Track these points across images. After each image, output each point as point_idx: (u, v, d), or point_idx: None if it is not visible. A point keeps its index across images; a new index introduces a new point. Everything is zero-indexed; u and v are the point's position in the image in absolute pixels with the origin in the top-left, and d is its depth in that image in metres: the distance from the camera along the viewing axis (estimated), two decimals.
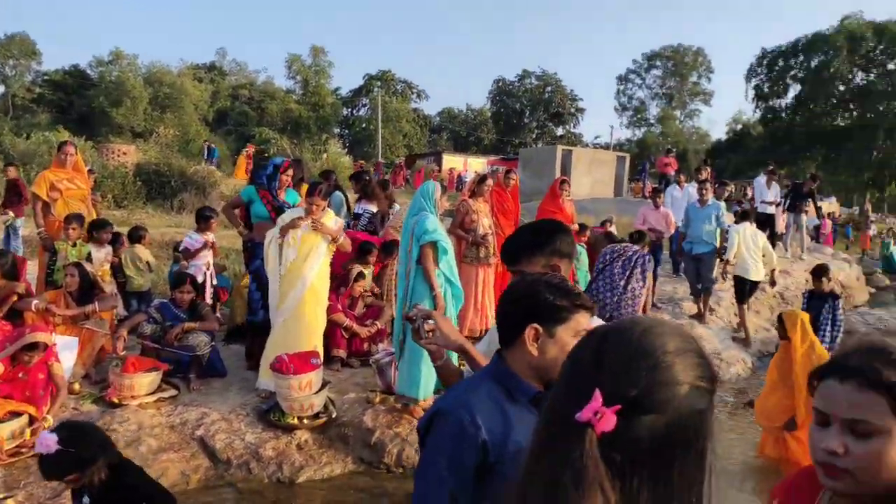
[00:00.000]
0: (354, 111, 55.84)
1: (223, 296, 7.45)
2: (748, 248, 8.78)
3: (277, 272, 5.35)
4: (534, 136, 59.01)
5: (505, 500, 0.90)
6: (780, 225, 13.80)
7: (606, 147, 49.37)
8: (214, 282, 7.05)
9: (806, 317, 5.70)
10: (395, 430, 5.01)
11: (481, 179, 7.27)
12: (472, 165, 37.53)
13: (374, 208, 7.91)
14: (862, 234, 26.44)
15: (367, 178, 8.40)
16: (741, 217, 9.19)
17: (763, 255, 8.93)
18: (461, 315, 6.41)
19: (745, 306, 9.17)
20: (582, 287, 7.71)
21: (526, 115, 59.77)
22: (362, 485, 4.71)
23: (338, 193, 7.99)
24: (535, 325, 1.62)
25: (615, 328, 0.88)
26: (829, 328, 7.08)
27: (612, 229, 10.24)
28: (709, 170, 16.16)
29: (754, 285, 9.07)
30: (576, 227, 8.39)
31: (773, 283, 9.26)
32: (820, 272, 7.43)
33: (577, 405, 0.78)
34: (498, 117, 59.88)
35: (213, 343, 5.65)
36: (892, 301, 15.64)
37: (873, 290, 17.01)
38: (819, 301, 7.24)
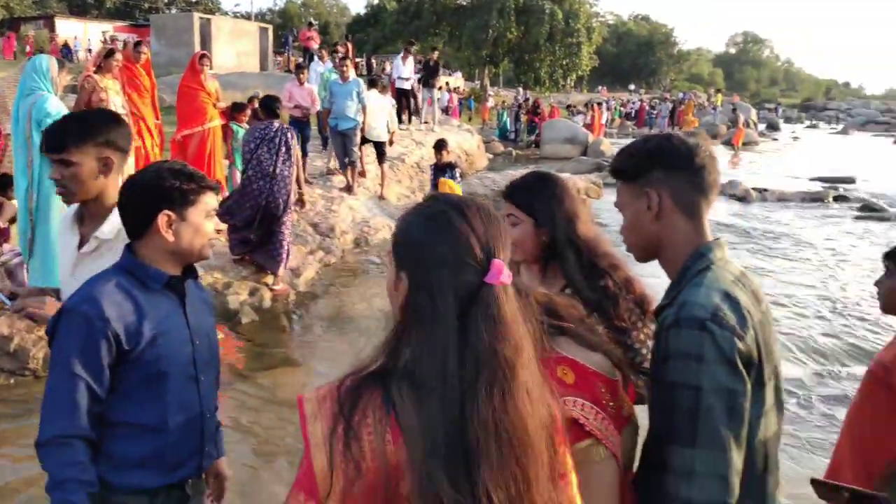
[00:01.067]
0: None
1: None
2: (373, 112, 9.62)
3: None
4: (166, 0, 53.41)
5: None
6: (420, 99, 14.94)
7: (248, 17, 47.05)
8: None
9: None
10: (37, 333, 4.61)
11: (108, 53, 6.54)
12: (92, 32, 32.91)
13: None
14: (482, 107, 29.99)
15: None
16: (370, 84, 9.99)
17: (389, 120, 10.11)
18: None
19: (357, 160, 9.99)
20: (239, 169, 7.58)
21: None
22: (6, 396, 4.31)
23: None
24: (167, 212, 1.68)
25: (465, 210, 1.08)
26: None
27: None
28: (348, 45, 16.57)
29: (379, 146, 10.09)
30: (222, 105, 8.09)
31: (391, 142, 10.65)
32: (439, 146, 8.43)
33: (475, 274, 1.02)
34: None
35: None
36: (506, 165, 18.33)
37: (491, 156, 19.69)
38: (441, 171, 8.29)
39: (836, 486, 1.44)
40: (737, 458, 1.27)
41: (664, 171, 1.45)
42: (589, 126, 24.91)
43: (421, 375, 1.01)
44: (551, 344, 1.25)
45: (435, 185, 8.44)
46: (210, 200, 1.76)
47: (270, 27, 27.29)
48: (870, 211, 12.42)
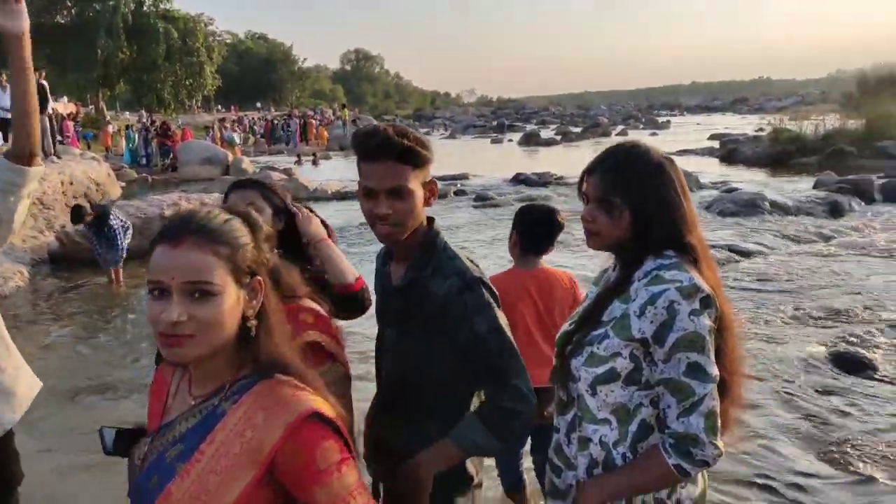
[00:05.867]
0: None
1: None
2: None
3: None
4: None
5: None
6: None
7: None
8: None
9: None
10: None
11: None
12: None
13: None
14: (103, 132, 27.52)
15: None
16: None
17: None
18: None
19: None
20: None
21: None
22: None
23: None
24: None
25: None
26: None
27: None
28: None
29: None
30: None
31: None
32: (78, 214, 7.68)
33: None
34: None
35: None
36: (145, 191, 17.19)
37: (124, 184, 18.28)
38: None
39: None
40: None
41: (430, 164, 1.67)
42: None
43: None
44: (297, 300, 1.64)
45: None
46: None
47: None
48: (483, 200, 14.64)
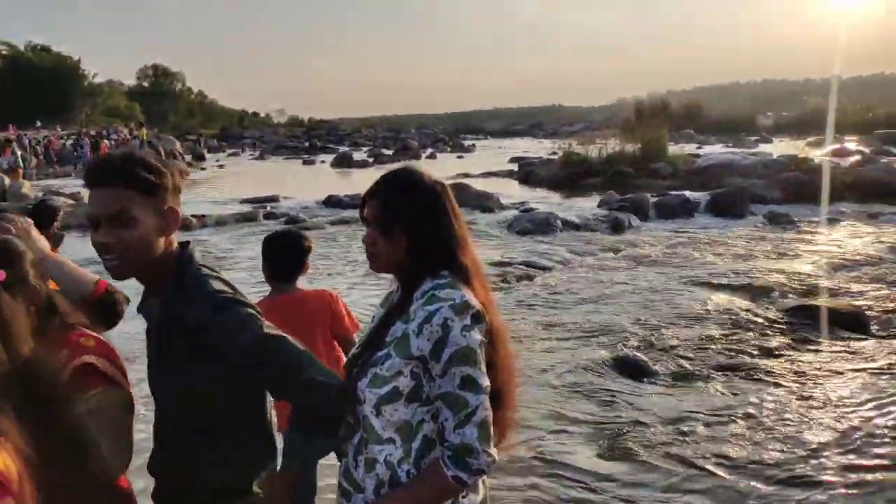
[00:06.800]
0: None
1: None
2: None
3: None
4: None
5: None
6: None
7: None
8: None
9: None
10: None
11: None
12: None
13: None
14: None
15: None
16: None
17: None
18: None
19: None
20: None
21: None
22: None
23: None
24: None
25: None
26: None
27: None
28: None
29: None
30: None
31: None
32: None
33: None
34: None
35: None
36: None
37: None
38: None
39: None
40: None
41: (165, 191, 1.58)
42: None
43: None
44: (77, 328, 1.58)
45: None
46: None
47: None
48: (294, 223, 14.37)
